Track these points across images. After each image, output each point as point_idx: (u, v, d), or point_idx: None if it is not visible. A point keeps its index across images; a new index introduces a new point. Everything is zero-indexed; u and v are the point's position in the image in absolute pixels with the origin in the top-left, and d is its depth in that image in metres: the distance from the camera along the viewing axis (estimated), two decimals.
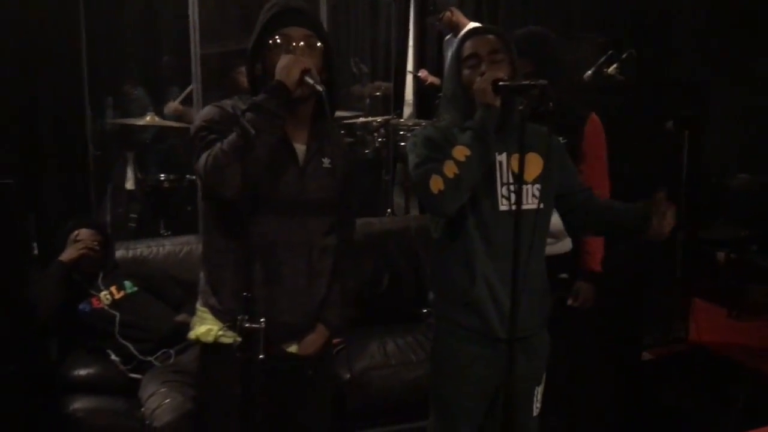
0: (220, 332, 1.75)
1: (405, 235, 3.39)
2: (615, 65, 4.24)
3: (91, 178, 3.85)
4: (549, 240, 2.51)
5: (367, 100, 5.30)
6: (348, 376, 2.81)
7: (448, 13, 4.98)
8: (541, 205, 1.84)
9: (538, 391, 2.04)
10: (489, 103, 1.78)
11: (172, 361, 2.67)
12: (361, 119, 4.94)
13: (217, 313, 1.77)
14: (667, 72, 5.99)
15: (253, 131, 1.56)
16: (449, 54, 4.31)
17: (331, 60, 1.81)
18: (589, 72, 4.13)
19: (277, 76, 1.64)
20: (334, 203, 1.88)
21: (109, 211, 4.39)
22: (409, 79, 6.00)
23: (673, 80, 5.59)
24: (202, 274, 1.84)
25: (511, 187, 1.88)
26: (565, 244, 2.58)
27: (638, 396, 3.31)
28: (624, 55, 4.27)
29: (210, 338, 1.77)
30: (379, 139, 4.93)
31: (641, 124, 3.71)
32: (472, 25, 4.98)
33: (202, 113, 1.74)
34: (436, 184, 1.76)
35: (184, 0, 3.66)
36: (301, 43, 1.72)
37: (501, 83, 1.77)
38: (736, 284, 4.78)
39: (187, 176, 4.05)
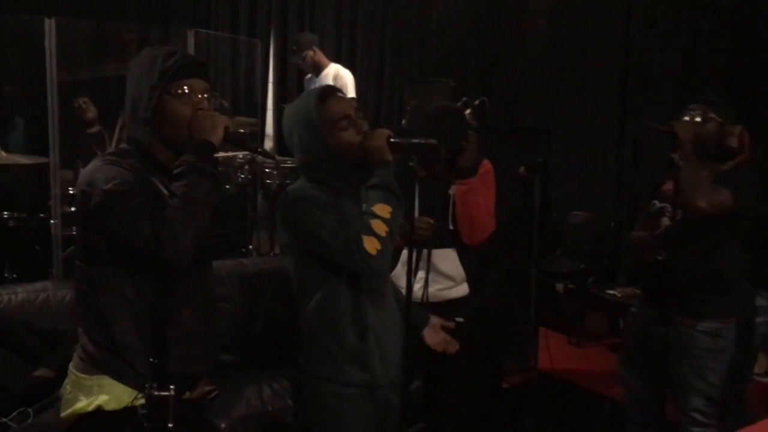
0: (134, 401, 1.63)
1: (280, 274, 3.36)
2: (469, 111, 4.51)
3: None
4: (447, 284, 2.65)
5: None
6: (223, 425, 2.74)
7: (310, 53, 5.08)
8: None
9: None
10: (387, 159, 1.84)
11: (30, 421, 2.46)
12: (223, 154, 4.86)
13: (126, 380, 1.66)
14: (515, 118, 6.48)
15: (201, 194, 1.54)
16: None
17: (224, 112, 1.80)
18: None
19: (203, 135, 1.61)
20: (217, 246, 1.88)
21: None
22: (270, 115, 6.01)
23: (523, 127, 6.08)
24: (88, 338, 1.71)
25: None
26: (462, 288, 2.69)
27: (501, 425, 3.52)
28: (476, 102, 4.56)
29: (120, 407, 1.65)
30: (242, 176, 4.88)
31: (495, 169, 3.98)
32: (333, 66, 5.11)
33: (108, 174, 1.60)
34: (372, 244, 1.76)
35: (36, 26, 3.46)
36: (205, 95, 1.70)
37: (394, 140, 1.86)
38: (575, 313, 5.22)
39: (41, 215, 3.76)
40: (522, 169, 3.73)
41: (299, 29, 5.83)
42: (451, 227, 2.62)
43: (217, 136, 1.63)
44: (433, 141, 1.79)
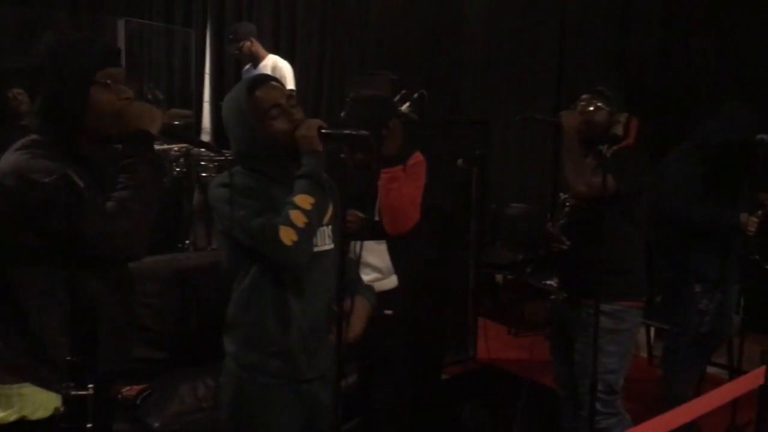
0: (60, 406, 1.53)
1: (214, 270, 3.29)
2: (408, 104, 4.52)
3: None
4: (375, 276, 2.63)
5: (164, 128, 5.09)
6: (157, 424, 2.67)
7: (248, 43, 4.99)
8: (333, 246, 1.95)
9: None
10: (316, 150, 1.82)
11: None
12: (158, 147, 4.74)
13: (52, 385, 1.56)
14: (455, 111, 6.53)
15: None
16: None
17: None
18: None
19: (141, 125, 1.59)
20: None
21: None
22: (207, 107, 5.89)
23: (461, 119, 6.13)
24: (3, 344, 1.60)
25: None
26: (391, 281, 2.69)
27: (440, 416, 3.54)
28: (415, 95, 4.57)
29: (47, 414, 1.56)
30: (177, 169, 4.76)
31: (434, 160, 4.00)
32: (271, 57, 5.04)
33: (42, 167, 1.50)
34: (288, 235, 1.74)
35: None
36: (123, 85, 1.64)
37: (325, 131, 1.83)
38: (514, 303, 5.31)
39: None
40: (460, 161, 3.76)
41: (237, 19, 5.72)
42: (377, 219, 2.60)
43: (155, 127, 1.60)
44: (364, 132, 1.77)
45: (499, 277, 5.77)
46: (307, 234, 1.78)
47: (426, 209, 3.68)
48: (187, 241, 4.84)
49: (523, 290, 5.29)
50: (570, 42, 5.69)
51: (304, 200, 1.78)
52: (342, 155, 1.86)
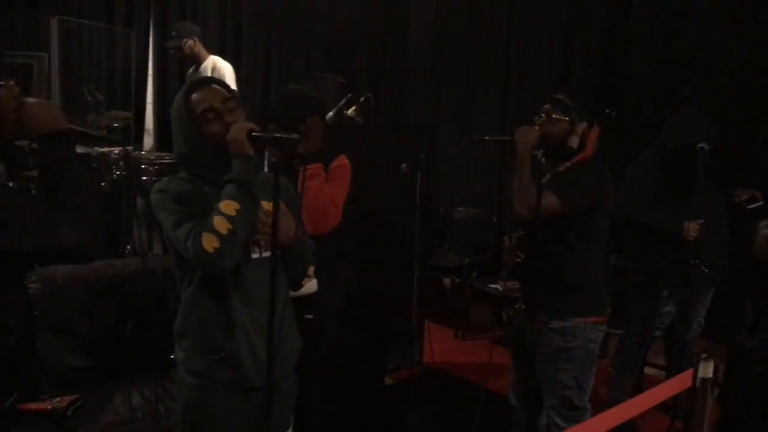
0: None
1: (152, 276, 3.22)
2: (354, 107, 4.50)
3: None
4: None
5: (104, 131, 4.96)
6: None
7: (190, 42, 4.90)
8: (279, 252, 1.89)
9: None
10: (246, 153, 1.79)
11: None
12: (98, 150, 4.62)
13: None
14: (402, 115, 6.55)
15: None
16: None
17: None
18: (331, 113, 4.34)
19: (53, 125, 1.54)
20: None
21: None
22: (150, 109, 5.76)
23: (406, 124, 6.14)
24: None
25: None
26: (311, 285, 2.64)
27: (383, 422, 3.52)
28: (362, 99, 4.55)
29: None
30: (118, 172, 4.65)
31: (380, 164, 4.00)
32: (212, 58, 4.96)
33: None
34: (210, 242, 1.71)
35: None
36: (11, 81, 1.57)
37: (255, 134, 1.80)
38: (461, 307, 5.33)
39: None
40: (404, 165, 3.75)
41: (181, 20, 5.61)
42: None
43: (60, 122, 1.54)
44: (294, 136, 1.75)
45: (447, 281, 5.79)
46: (230, 240, 1.73)
47: (369, 213, 3.69)
48: (129, 247, 4.73)
49: (469, 293, 5.32)
50: (515, 47, 5.77)
51: (228, 206, 1.75)
52: (273, 159, 1.83)
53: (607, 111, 3.47)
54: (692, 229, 3.13)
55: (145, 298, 3.18)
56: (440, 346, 4.69)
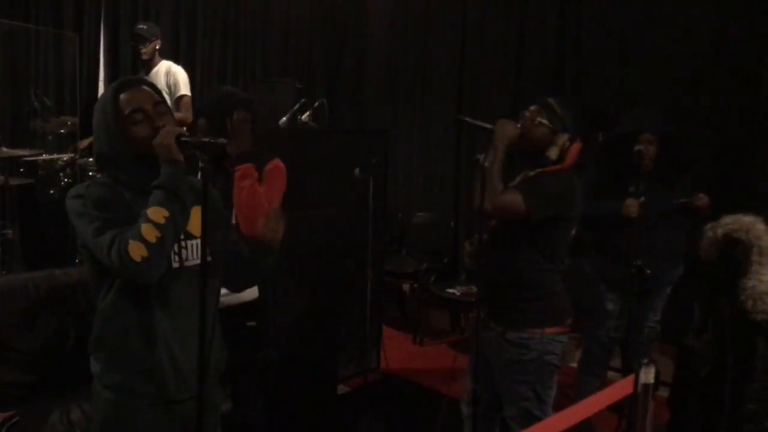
0: None
1: None
2: (308, 113, 4.46)
3: None
4: None
5: (50, 137, 4.84)
6: None
7: (155, 44, 4.79)
8: (209, 259, 1.84)
9: None
10: (175, 159, 1.73)
11: None
12: (44, 157, 4.51)
13: None
14: (359, 121, 6.52)
15: None
16: None
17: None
18: (284, 118, 4.29)
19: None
20: None
21: None
22: None
23: (360, 129, 6.11)
24: None
25: (182, 243, 1.84)
26: (252, 292, 2.60)
27: (335, 430, 3.47)
28: (316, 104, 4.52)
29: None
30: (65, 180, 4.55)
31: (334, 169, 3.96)
32: (165, 63, 4.86)
33: None
34: (137, 250, 1.64)
35: None
36: None
37: (184, 139, 1.75)
38: (419, 312, 5.31)
39: None
40: (357, 170, 3.71)
41: (132, 24, 5.50)
42: (234, 222, 2.45)
43: None
44: (222, 140, 1.70)
45: (405, 286, 5.77)
46: (159, 249, 1.68)
47: (322, 219, 3.65)
48: (79, 257, 4.62)
49: (427, 298, 5.30)
50: (470, 52, 5.78)
51: (157, 213, 1.69)
52: (201, 165, 1.77)
53: (597, 133, 3.44)
54: (631, 204, 3.10)
55: (88, 309, 3.08)
56: (398, 352, 4.66)
